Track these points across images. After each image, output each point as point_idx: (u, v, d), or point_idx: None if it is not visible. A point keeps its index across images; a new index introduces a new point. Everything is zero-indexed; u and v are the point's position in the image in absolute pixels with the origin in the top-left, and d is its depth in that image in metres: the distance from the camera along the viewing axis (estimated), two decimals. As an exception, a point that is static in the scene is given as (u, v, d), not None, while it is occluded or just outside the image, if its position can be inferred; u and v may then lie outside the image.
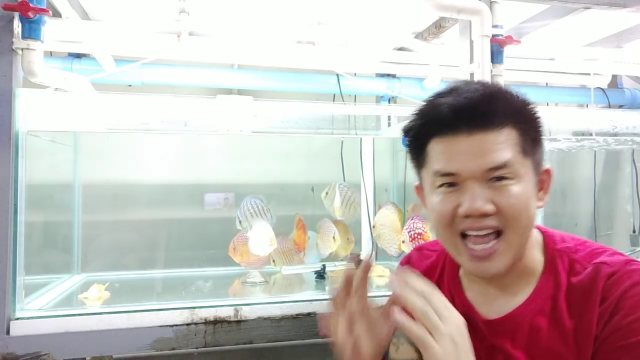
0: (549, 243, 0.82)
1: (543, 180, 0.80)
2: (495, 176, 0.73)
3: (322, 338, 1.23)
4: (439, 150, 0.77)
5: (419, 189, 0.88)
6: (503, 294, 0.81)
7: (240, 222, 1.61)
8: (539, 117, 0.78)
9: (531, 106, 0.78)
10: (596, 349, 0.71)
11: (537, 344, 0.75)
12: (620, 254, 0.77)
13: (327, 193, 1.73)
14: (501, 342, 0.78)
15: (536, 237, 0.82)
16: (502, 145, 0.73)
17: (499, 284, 0.81)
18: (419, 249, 1.02)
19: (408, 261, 1.01)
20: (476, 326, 0.81)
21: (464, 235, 0.76)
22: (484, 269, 0.75)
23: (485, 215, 0.73)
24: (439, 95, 0.78)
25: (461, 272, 0.89)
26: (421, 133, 0.80)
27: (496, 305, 0.81)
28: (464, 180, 0.74)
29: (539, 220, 0.84)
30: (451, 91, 0.77)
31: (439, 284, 0.91)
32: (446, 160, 0.75)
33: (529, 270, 0.80)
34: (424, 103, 0.80)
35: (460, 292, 0.87)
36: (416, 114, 0.81)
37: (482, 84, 0.78)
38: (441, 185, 0.77)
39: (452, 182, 0.76)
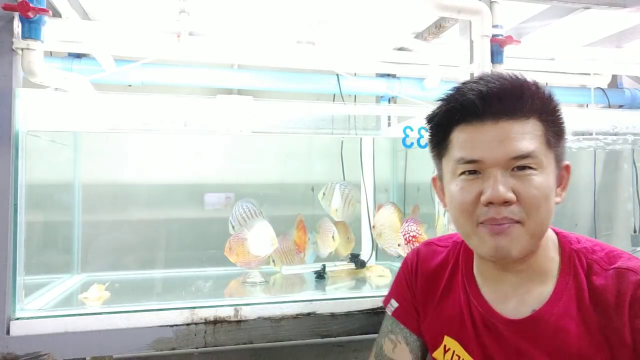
0: (565, 243, 0.81)
1: (562, 176, 0.79)
2: (519, 165, 0.73)
3: (322, 338, 1.24)
4: (463, 139, 0.76)
5: (436, 180, 0.87)
6: (518, 291, 0.80)
7: (233, 227, 1.60)
8: (561, 112, 0.79)
9: (555, 100, 0.78)
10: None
11: (563, 347, 0.74)
12: (636, 258, 0.77)
13: (324, 194, 1.72)
14: (523, 345, 0.76)
15: (551, 236, 0.82)
16: (528, 135, 0.73)
17: (513, 281, 0.80)
18: (428, 244, 1.00)
19: (417, 256, 0.99)
20: (493, 326, 0.80)
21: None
22: (500, 246, 0.74)
23: (506, 202, 0.72)
24: (466, 83, 0.78)
25: (475, 270, 0.88)
26: (445, 120, 0.79)
27: (511, 304, 0.80)
28: (487, 167, 0.74)
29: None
30: (479, 79, 0.77)
31: (451, 281, 0.90)
32: (470, 148, 0.75)
33: (544, 269, 0.79)
34: (451, 90, 0.79)
35: (475, 289, 0.86)
36: (442, 100, 0.80)
37: (511, 75, 0.77)
38: (462, 174, 0.77)
39: (474, 169, 0.75)
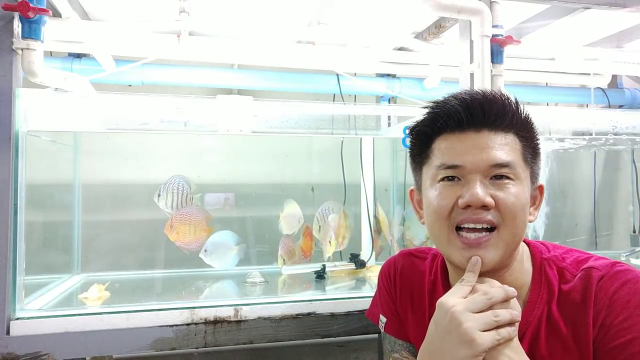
0: (535, 253, 0.82)
1: (536, 196, 0.81)
2: (498, 174, 0.74)
3: (322, 338, 1.24)
4: (445, 146, 0.78)
5: (413, 192, 0.88)
6: None
7: (159, 195, 1.56)
8: (537, 133, 0.81)
9: (532, 121, 0.80)
10: (594, 352, 0.71)
11: (537, 354, 0.75)
12: (605, 258, 0.78)
13: (320, 227, 1.69)
14: None
15: (524, 249, 0.83)
16: (508, 147, 0.75)
17: None
18: (405, 255, 0.99)
19: (394, 266, 0.98)
20: None
21: (458, 230, 0.76)
22: (474, 255, 0.74)
23: (484, 207, 0.73)
24: (451, 95, 0.79)
25: (452, 282, 0.87)
26: (429, 128, 0.80)
27: None
28: (467, 173, 0.75)
29: (537, 221, 0.83)
30: (464, 92, 0.79)
31: (433, 292, 0.90)
32: (452, 155, 0.76)
33: (519, 283, 0.79)
34: (435, 101, 0.81)
35: None
36: (426, 108, 0.81)
37: (494, 91, 0.79)
38: (442, 180, 0.77)
39: (454, 175, 0.76)
